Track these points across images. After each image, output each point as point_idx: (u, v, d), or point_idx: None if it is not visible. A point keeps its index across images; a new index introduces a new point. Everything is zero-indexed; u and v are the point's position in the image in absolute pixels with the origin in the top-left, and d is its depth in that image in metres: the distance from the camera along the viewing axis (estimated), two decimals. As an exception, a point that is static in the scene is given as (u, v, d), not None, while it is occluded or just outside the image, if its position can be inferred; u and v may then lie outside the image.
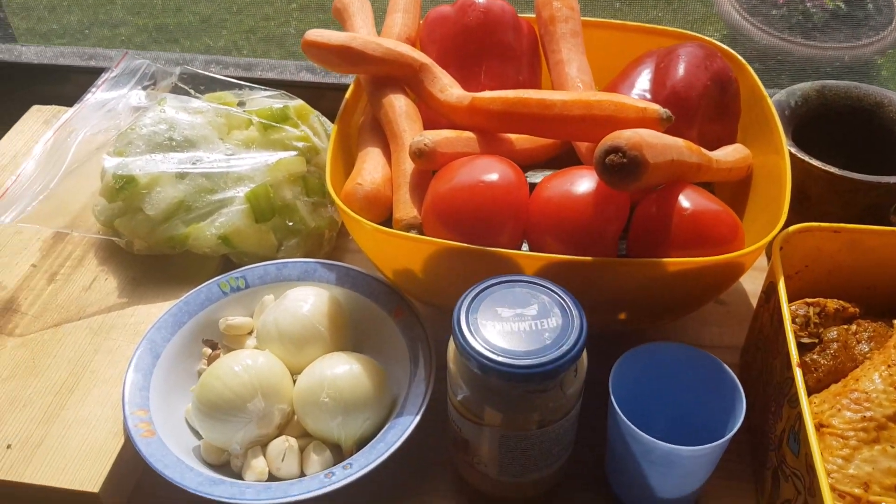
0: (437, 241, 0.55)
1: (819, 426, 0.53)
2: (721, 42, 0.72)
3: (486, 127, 0.61)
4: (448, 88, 0.63)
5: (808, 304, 0.59)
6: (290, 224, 0.70)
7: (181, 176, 0.68)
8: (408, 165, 0.61)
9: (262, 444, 0.58)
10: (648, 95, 0.63)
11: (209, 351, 0.64)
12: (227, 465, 0.58)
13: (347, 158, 0.66)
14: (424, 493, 0.59)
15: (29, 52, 0.91)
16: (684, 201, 0.54)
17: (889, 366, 0.53)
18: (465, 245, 0.54)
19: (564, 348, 0.49)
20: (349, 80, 0.88)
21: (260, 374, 0.58)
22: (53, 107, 0.86)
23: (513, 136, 0.63)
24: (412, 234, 0.57)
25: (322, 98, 0.80)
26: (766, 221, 0.59)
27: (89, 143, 0.72)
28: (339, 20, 0.71)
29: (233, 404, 0.56)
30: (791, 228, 0.59)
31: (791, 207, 0.58)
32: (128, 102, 0.75)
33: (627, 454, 0.54)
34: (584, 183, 0.55)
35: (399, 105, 0.63)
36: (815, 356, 0.57)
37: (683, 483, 0.55)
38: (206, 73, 0.77)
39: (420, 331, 0.62)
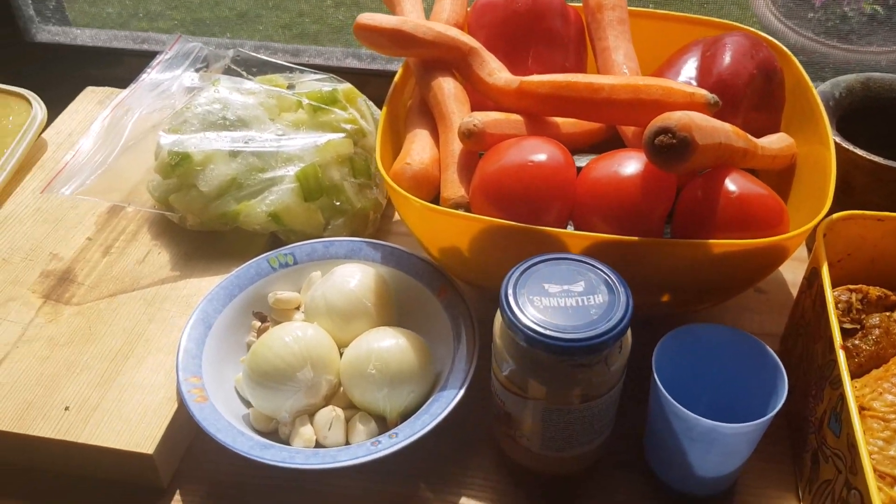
0: (485, 219, 0.56)
1: (860, 409, 0.53)
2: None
3: (534, 110, 0.62)
4: (496, 72, 0.64)
5: (851, 291, 0.60)
6: (337, 204, 0.71)
7: (234, 154, 0.70)
8: (456, 146, 0.62)
9: (310, 414, 0.60)
10: (695, 83, 0.64)
11: (258, 324, 0.66)
12: (274, 433, 0.60)
13: (396, 140, 0.68)
14: (466, 467, 0.60)
15: (84, 35, 0.94)
16: (731, 185, 0.55)
17: (932, 352, 0.54)
18: (512, 223, 0.55)
19: (610, 324, 0.50)
20: (393, 66, 0.91)
21: (309, 345, 0.59)
22: (106, 88, 0.89)
23: (559, 121, 0.64)
24: (460, 212, 0.58)
25: (367, 84, 0.81)
26: (810, 210, 0.59)
27: (144, 121, 0.74)
28: (388, 5, 0.73)
29: (283, 373, 0.58)
30: (835, 216, 0.60)
31: (834, 197, 0.58)
32: (181, 83, 0.77)
33: (668, 432, 0.54)
34: (631, 164, 0.56)
35: (448, 87, 0.65)
36: (856, 342, 0.58)
37: (723, 462, 0.55)
38: (259, 56, 0.79)
39: (464, 309, 0.64)
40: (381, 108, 0.66)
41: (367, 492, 0.59)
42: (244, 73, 0.77)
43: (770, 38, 0.71)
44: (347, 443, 0.59)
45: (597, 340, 0.49)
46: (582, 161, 0.62)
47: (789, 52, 0.70)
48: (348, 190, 0.72)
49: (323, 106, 0.74)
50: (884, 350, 0.57)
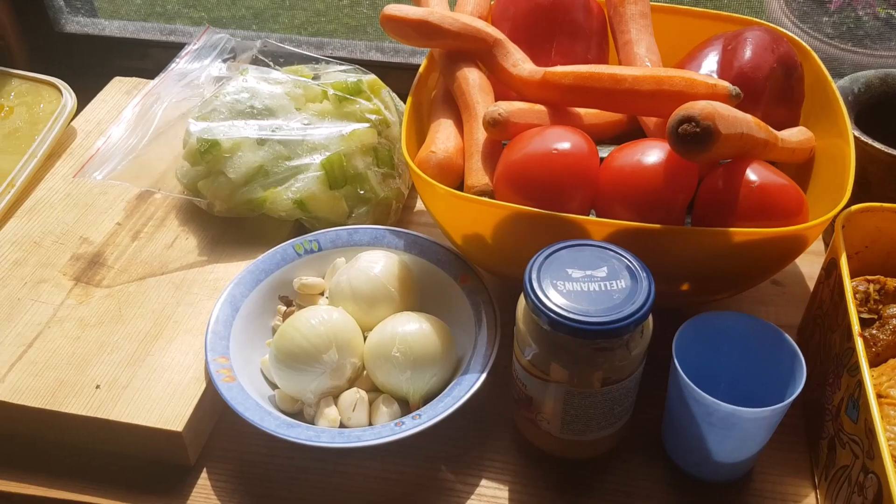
0: (509, 206, 0.57)
1: (877, 396, 0.54)
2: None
3: (557, 101, 0.64)
4: (520, 63, 0.65)
5: (869, 281, 0.60)
6: (361, 192, 0.73)
7: (261, 142, 0.72)
8: (480, 135, 0.63)
9: (334, 396, 0.61)
10: (716, 76, 0.65)
11: (284, 308, 0.67)
12: (300, 414, 0.61)
13: (420, 129, 0.69)
14: (486, 450, 0.62)
15: (112, 26, 0.96)
16: (751, 174, 0.56)
17: (949, 341, 0.55)
18: (536, 210, 0.56)
19: (633, 308, 0.51)
20: (415, 59, 0.92)
21: (335, 327, 0.61)
22: (134, 78, 0.91)
23: (581, 111, 0.65)
24: (485, 199, 0.59)
25: (388, 77, 0.83)
26: (828, 202, 0.60)
27: (173, 110, 0.76)
28: (413, -2, 0.74)
29: (309, 354, 0.60)
30: (853, 207, 0.61)
31: (852, 192, 0.59)
32: (209, 73, 0.78)
33: (687, 417, 0.55)
34: (654, 154, 0.57)
35: (472, 78, 0.66)
36: (874, 331, 0.59)
37: (740, 448, 0.56)
38: (285, 47, 0.80)
39: (485, 295, 0.65)
40: (403, 99, 0.68)
41: (388, 473, 0.60)
42: (271, 64, 0.79)
43: (790, 33, 0.72)
44: (370, 424, 0.60)
45: (619, 324, 0.50)
46: (604, 151, 0.63)
47: (808, 48, 0.71)
48: (372, 179, 0.73)
49: (348, 96, 0.75)
50: (901, 340, 0.58)
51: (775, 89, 0.65)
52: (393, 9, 0.67)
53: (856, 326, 0.53)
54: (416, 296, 0.66)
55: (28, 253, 0.71)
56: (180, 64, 0.79)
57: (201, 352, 0.63)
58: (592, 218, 0.57)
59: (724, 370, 0.58)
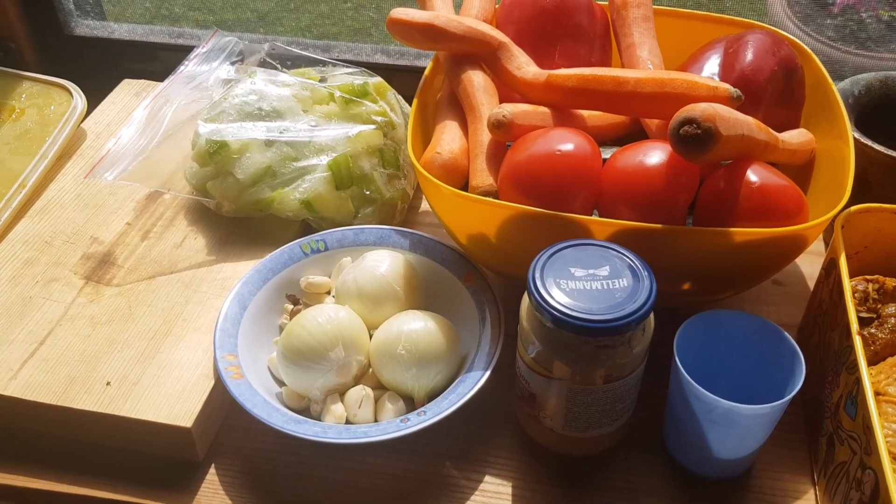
0: (514, 206, 0.58)
1: (875, 394, 0.55)
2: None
3: (561, 103, 0.65)
4: (525, 66, 0.66)
5: (868, 281, 0.61)
6: (367, 193, 0.74)
7: (269, 143, 0.73)
8: (484, 136, 0.64)
9: (340, 393, 0.62)
10: (718, 78, 0.66)
11: (291, 306, 0.68)
12: (306, 411, 0.62)
13: (426, 131, 0.70)
14: (490, 446, 0.62)
15: (121, 29, 0.97)
16: (752, 175, 0.57)
17: (946, 340, 0.55)
18: (540, 210, 0.57)
19: (634, 306, 0.52)
20: (420, 62, 0.93)
21: (341, 325, 0.62)
22: (143, 81, 0.92)
23: (585, 113, 0.66)
24: (489, 199, 0.60)
25: (394, 79, 0.84)
26: (828, 203, 0.61)
27: (182, 112, 0.77)
28: (418, 1, 0.75)
29: (316, 352, 0.60)
30: (853, 208, 0.62)
31: (851, 193, 0.59)
32: (218, 76, 0.79)
33: (688, 414, 0.56)
34: (656, 155, 0.58)
35: (477, 80, 0.67)
36: (872, 330, 0.59)
37: (740, 445, 0.57)
38: (293, 50, 0.81)
39: (490, 294, 0.66)
40: (409, 101, 0.69)
41: (393, 469, 0.61)
42: (279, 67, 0.80)
43: (791, 36, 0.73)
44: (376, 421, 0.61)
45: (621, 322, 0.51)
46: (607, 153, 0.64)
47: (809, 51, 0.72)
48: (378, 180, 0.74)
49: (354, 98, 0.76)
50: (899, 339, 0.58)
51: (776, 91, 0.66)
52: (399, 12, 0.68)
53: (854, 325, 0.54)
54: (420, 295, 0.67)
55: (39, 252, 0.72)
56: (189, 67, 0.80)
57: (210, 349, 0.64)
58: (595, 218, 0.58)
59: (724, 368, 0.59)
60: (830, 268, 0.61)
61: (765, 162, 0.60)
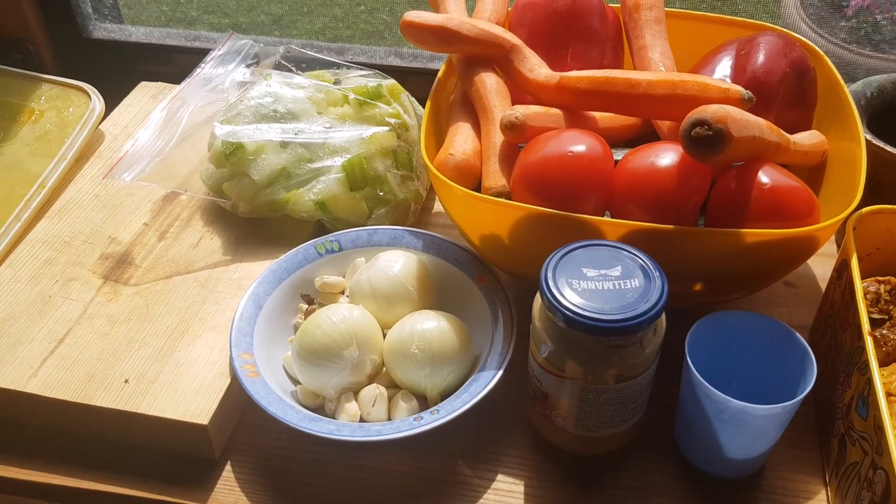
0: (526, 207, 0.59)
1: (887, 395, 0.55)
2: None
3: (573, 105, 0.65)
4: (537, 68, 0.67)
5: (880, 282, 0.61)
6: (381, 194, 0.75)
7: (284, 145, 0.74)
8: (497, 138, 0.65)
9: (354, 392, 0.63)
10: (729, 80, 0.66)
11: (305, 306, 0.69)
12: (321, 409, 0.63)
13: (439, 132, 0.71)
14: (502, 446, 0.63)
15: (138, 33, 0.98)
16: (763, 177, 0.57)
17: (958, 341, 0.56)
18: (552, 211, 0.58)
19: (646, 306, 0.52)
20: (433, 65, 0.94)
21: (355, 325, 0.62)
22: (160, 83, 0.93)
23: (597, 115, 0.67)
24: (502, 200, 0.61)
25: (407, 81, 0.84)
26: (840, 205, 0.61)
27: (199, 114, 0.78)
28: (432, 4, 0.76)
29: (330, 351, 0.61)
30: (864, 210, 0.62)
31: (863, 195, 0.60)
32: (234, 78, 0.80)
33: (699, 414, 0.57)
34: (668, 156, 0.58)
35: (490, 82, 0.68)
36: (884, 331, 0.60)
37: (752, 445, 0.57)
38: (307, 52, 0.82)
39: (502, 295, 0.66)
40: (422, 103, 0.69)
41: (406, 467, 0.62)
42: (294, 69, 0.81)
43: (803, 38, 0.73)
44: (390, 419, 0.62)
45: (633, 322, 0.52)
46: (619, 154, 0.65)
47: (821, 52, 0.72)
48: (391, 181, 0.75)
49: (368, 100, 0.77)
50: (911, 340, 0.59)
51: (788, 93, 0.67)
52: (413, 15, 0.69)
53: (866, 326, 0.54)
54: (434, 295, 0.68)
55: (58, 252, 0.74)
56: (205, 69, 0.81)
57: (226, 348, 0.65)
58: (607, 219, 0.58)
59: (736, 369, 0.60)
60: (842, 269, 0.61)
61: (776, 163, 0.61)
